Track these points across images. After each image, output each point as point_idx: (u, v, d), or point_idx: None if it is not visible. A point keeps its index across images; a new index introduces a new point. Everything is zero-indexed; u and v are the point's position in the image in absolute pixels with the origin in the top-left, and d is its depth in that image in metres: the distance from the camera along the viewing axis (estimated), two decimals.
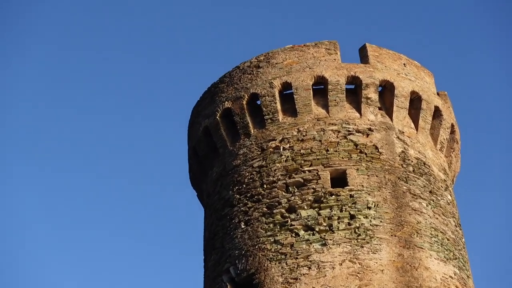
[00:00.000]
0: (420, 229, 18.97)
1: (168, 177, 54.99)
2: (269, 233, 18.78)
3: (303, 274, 17.84)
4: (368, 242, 18.22)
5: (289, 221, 18.75)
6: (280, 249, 18.41)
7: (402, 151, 20.28)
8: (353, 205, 18.78)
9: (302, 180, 19.31)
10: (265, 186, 19.61)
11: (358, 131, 20.17)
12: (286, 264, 18.13)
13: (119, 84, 57.10)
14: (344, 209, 18.69)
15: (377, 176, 19.43)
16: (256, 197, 19.58)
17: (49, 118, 54.08)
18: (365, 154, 19.77)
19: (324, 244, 18.18)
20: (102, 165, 55.02)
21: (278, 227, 18.78)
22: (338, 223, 18.47)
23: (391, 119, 20.76)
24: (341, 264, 17.84)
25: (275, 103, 20.69)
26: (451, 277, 18.77)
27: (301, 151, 19.80)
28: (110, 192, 54.91)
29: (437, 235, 19.25)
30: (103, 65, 56.80)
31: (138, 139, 56.52)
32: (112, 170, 55.36)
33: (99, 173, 54.96)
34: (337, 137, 19.97)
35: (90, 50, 56.11)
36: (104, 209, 54.34)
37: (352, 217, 18.59)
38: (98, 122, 55.80)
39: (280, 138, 20.23)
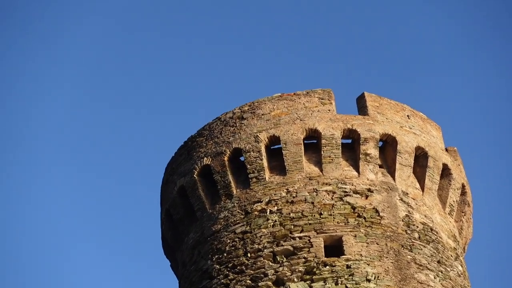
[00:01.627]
0: None
1: (137, 243, 54.61)
2: None
3: None
4: None
5: None
6: None
7: (406, 215, 20.14)
8: (350, 277, 18.54)
9: (291, 248, 19.08)
10: (249, 255, 19.38)
11: (355, 192, 20.04)
12: None
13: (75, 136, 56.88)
14: (340, 282, 18.46)
15: (377, 244, 19.24)
16: (238, 267, 19.33)
17: None
18: (364, 218, 19.62)
19: None
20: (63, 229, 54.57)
21: None
22: None
23: (394, 179, 20.65)
24: None
25: (261, 159, 20.56)
26: None
27: (291, 214, 19.61)
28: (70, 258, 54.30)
29: None
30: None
31: (104, 200, 56.22)
32: (74, 233, 54.90)
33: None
34: (332, 198, 19.82)
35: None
36: None
37: None
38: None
39: (267, 200, 20.06)
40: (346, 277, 18.55)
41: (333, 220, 19.47)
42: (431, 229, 20.44)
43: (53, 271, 52.51)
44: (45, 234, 53.69)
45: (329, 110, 21.02)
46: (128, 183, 57.18)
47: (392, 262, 19.05)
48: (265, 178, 20.43)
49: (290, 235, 19.30)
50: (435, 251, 20.04)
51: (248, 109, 21.39)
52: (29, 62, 53.81)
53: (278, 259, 19.01)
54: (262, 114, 21.15)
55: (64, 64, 55.52)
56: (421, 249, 19.75)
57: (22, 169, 53.37)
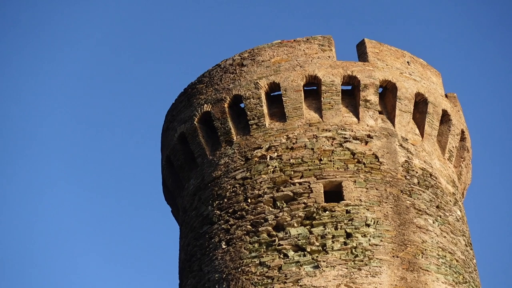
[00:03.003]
0: (425, 249, 18.93)
1: (139, 191, 54.98)
2: (253, 254, 18.70)
3: None
4: (366, 264, 18.15)
5: (277, 240, 18.67)
6: (266, 272, 18.32)
7: (405, 160, 20.27)
8: (350, 222, 18.72)
9: (291, 194, 19.24)
10: (249, 200, 19.54)
11: (355, 138, 20.15)
12: None
13: (83, 82, 56.91)
14: (339, 227, 18.64)
15: (377, 189, 19.39)
16: (239, 213, 19.50)
17: None
18: (364, 164, 19.74)
19: (317, 267, 18.10)
20: (64, 178, 54.89)
21: (264, 247, 18.71)
22: (333, 242, 18.40)
23: (393, 125, 20.75)
24: None
25: (261, 106, 20.65)
26: None
27: (291, 160, 19.74)
28: (74, 207, 54.74)
29: (445, 256, 19.22)
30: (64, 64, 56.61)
31: (104, 146, 56.42)
32: (75, 181, 55.25)
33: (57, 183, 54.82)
34: (332, 144, 19.93)
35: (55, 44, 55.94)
36: (66, 224, 54.19)
37: (348, 235, 18.53)
38: (58, 134, 55.61)
39: (267, 146, 20.18)
40: (345, 222, 18.73)
41: (333, 166, 19.60)
42: (430, 175, 20.60)
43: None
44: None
45: (329, 57, 21.04)
46: (129, 130, 57.40)
47: (391, 207, 19.23)
48: (265, 124, 20.54)
49: (290, 180, 19.45)
50: (434, 196, 20.22)
51: (248, 56, 21.42)
52: None
53: (278, 204, 19.19)
54: (262, 61, 21.18)
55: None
56: (420, 194, 19.93)
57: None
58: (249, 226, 19.18)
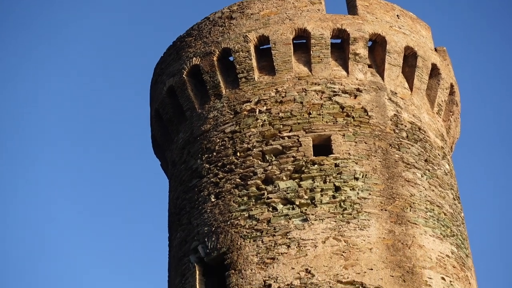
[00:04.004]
0: (413, 203, 19.05)
1: (128, 144, 54.98)
2: (242, 207, 18.78)
3: (281, 254, 17.88)
4: (355, 217, 18.26)
5: (266, 193, 18.74)
6: (255, 225, 18.42)
7: (394, 114, 20.30)
8: (338, 175, 18.80)
9: (280, 148, 19.28)
10: (238, 154, 19.57)
11: (344, 91, 20.15)
12: (262, 242, 18.15)
13: (72, 36, 56.57)
14: (328, 180, 18.71)
15: (365, 143, 19.45)
16: (228, 166, 19.55)
17: None
18: (353, 118, 19.77)
19: (305, 220, 18.20)
20: (53, 131, 54.84)
21: (253, 200, 18.78)
22: (321, 196, 18.48)
23: (382, 78, 20.76)
24: (324, 242, 17.89)
25: (250, 59, 20.60)
26: (448, 256, 18.90)
27: (280, 114, 19.75)
28: (61, 158, 54.76)
29: (433, 209, 19.35)
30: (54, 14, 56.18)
31: (92, 100, 56.27)
32: (64, 134, 55.22)
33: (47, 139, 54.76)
34: (321, 98, 19.94)
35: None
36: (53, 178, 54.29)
37: (337, 189, 18.61)
38: (47, 85, 55.40)
39: (256, 100, 20.17)
40: (334, 175, 18.80)
41: (322, 120, 19.62)
42: (419, 128, 20.65)
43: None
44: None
45: (319, 10, 20.95)
46: (118, 84, 57.19)
47: (380, 161, 19.30)
48: (254, 78, 20.50)
49: (279, 134, 19.47)
50: (422, 150, 20.29)
51: (237, 9, 21.30)
52: None
53: (267, 158, 19.23)
54: (251, 14, 21.07)
55: None
56: (409, 148, 19.99)
57: None
58: (238, 180, 19.23)
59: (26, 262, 50.33)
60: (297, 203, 18.40)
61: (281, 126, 19.56)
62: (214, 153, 19.98)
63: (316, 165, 18.90)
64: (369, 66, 20.88)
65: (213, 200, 19.36)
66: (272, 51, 20.52)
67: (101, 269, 53.00)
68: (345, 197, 18.49)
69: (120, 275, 53.31)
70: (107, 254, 53.93)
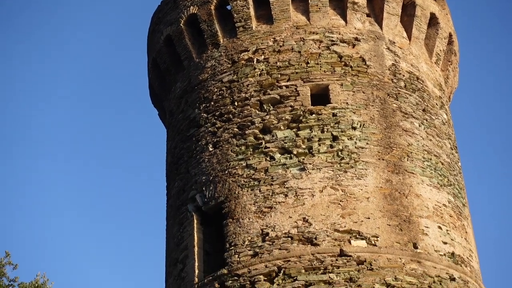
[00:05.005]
0: (411, 152, 19.07)
1: (126, 94, 54.93)
2: (240, 157, 18.80)
3: (279, 203, 17.94)
4: (352, 167, 18.30)
5: (263, 143, 18.75)
6: (253, 174, 18.45)
7: (392, 64, 20.24)
8: (336, 125, 18.79)
9: (278, 97, 19.23)
10: (236, 103, 19.53)
11: (342, 41, 20.06)
12: (260, 191, 18.20)
13: None
14: (325, 130, 18.71)
15: (363, 92, 19.41)
16: (226, 116, 19.52)
17: None
18: (351, 67, 19.71)
19: (303, 169, 18.23)
20: (51, 84, 54.73)
21: (251, 149, 18.79)
22: (319, 145, 18.49)
23: (381, 28, 20.65)
24: (322, 191, 17.94)
25: (248, 8, 20.46)
26: (444, 205, 18.97)
27: (278, 63, 19.67)
28: (59, 110, 54.72)
29: (430, 159, 19.38)
30: None
31: (91, 48, 56.05)
32: (62, 84, 55.11)
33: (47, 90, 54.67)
34: (319, 47, 19.85)
35: None
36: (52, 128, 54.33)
37: (334, 138, 18.61)
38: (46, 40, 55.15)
39: (254, 49, 20.07)
40: (332, 125, 18.78)
41: (320, 69, 19.55)
42: (417, 78, 20.60)
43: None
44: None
45: None
46: (115, 34, 56.88)
47: (377, 111, 19.28)
48: (252, 27, 20.38)
49: (276, 84, 19.41)
50: (420, 100, 20.26)
51: None
52: None
53: (265, 107, 19.19)
54: None
55: None
56: (407, 98, 19.96)
57: None
58: (236, 129, 19.22)
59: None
60: (295, 152, 18.42)
61: (279, 75, 19.50)
62: (212, 103, 19.94)
63: (313, 115, 18.88)
64: (368, 15, 20.76)
65: (210, 149, 19.38)
66: (270, 0, 20.38)
67: (100, 221, 53.33)
68: (342, 147, 18.50)
69: (119, 226, 53.66)
70: (105, 205, 54.23)
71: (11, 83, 53.56)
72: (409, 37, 21.09)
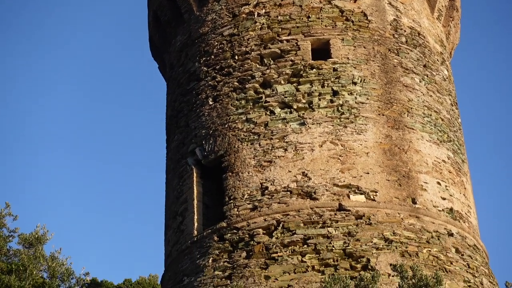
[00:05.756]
0: (411, 108, 19.04)
1: (126, 46, 54.74)
2: (240, 111, 18.76)
3: (278, 157, 17.95)
4: (352, 122, 18.28)
5: (264, 97, 18.70)
6: (253, 128, 18.44)
7: (394, 19, 20.11)
8: (337, 79, 18.73)
9: (279, 51, 19.13)
10: (236, 57, 19.45)
11: None
12: (259, 145, 18.20)
13: None
14: (326, 84, 18.65)
15: (364, 47, 19.32)
16: (226, 69, 19.45)
17: None
18: (352, 22, 19.58)
19: (303, 124, 18.21)
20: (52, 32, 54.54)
21: (251, 104, 18.75)
22: (319, 100, 18.45)
23: None
24: (321, 146, 17.94)
25: None
26: (444, 161, 18.99)
27: (279, 17, 19.54)
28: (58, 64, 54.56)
29: (431, 115, 19.36)
30: None
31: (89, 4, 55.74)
32: (62, 35, 54.90)
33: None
34: (320, 2, 19.71)
35: None
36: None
37: (335, 93, 18.56)
38: None
39: (255, 3, 19.92)
40: (332, 79, 18.72)
41: (321, 24, 19.43)
42: (419, 34, 20.48)
43: None
44: None
45: None
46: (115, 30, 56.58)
47: (378, 66, 19.21)
48: None
49: (277, 38, 19.30)
50: (421, 55, 20.17)
51: None
52: None
53: (266, 61, 19.11)
54: None
55: None
56: (408, 53, 19.87)
57: None
58: (236, 83, 19.16)
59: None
60: (295, 107, 18.38)
61: (280, 29, 19.38)
62: (212, 56, 19.85)
63: (314, 69, 18.81)
64: None
65: (210, 103, 19.34)
66: None
67: (101, 171, 53.49)
68: (342, 102, 18.46)
69: (120, 177, 53.85)
70: (106, 156, 54.36)
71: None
72: None
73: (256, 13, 19.75)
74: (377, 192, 17.60)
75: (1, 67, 51.87)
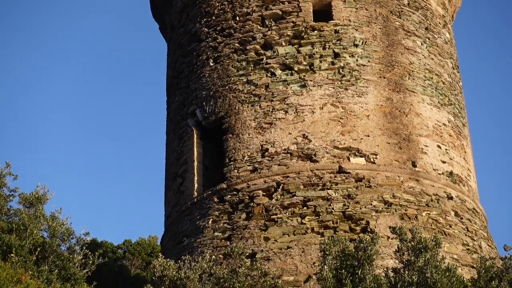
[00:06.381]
0: (412, 71, 18.98)
1: (126, 7, 54.46)
2: (241, 72, 18.69)
3: (279, 119, 17.91)
4: (353, 84, 18.22)
5: (265, 59, 18.62)
6: (254, 90, 18.38)
7: None
8: (338, 42, 18.63)
9: (280, 12, 19.02)
10: (237, 18, 19.33)
11: None
12: (260, 107, 18.16)
13: None
14: (327, 46, 18.56)
15: (366, 10, 19.20)
16: (227, 31, 19.34)
17: None
18: None
19: (304, 86, 18.15)
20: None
21: (252, 65, 18.68)
22: (320, 62, 18.38)
23: None
24: (322, 108, 17.90)
25: None
26: (444, 124, 18.96)
27: None
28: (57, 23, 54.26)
29: (432, 78, 19.29)
30: None
31: None
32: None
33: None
34: None
35: None
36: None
37: (336, 55, 18.49)
38: None
39: None
40: (333, 42, 18.63)
41: None
42: None
43: None
44: None
45: None
46: None
47: (380, 28, 19.10)
48: None
49: None
50: (423, 18, 20.05)
51: None
52: None
53: (267, 23, 18.99)
54: None
55: None
56: (410, 16, 19.75)
57: None
58: (237, 44, 19.06)
59: None
60: (296, 69, 18.31)
61: None
62: (213, 17, 19.73)
63: (315, 31, 18.70)
64: None
65: (211, 64, 19.25)
66: None
67: (102, 131, 53.49)
68: (344, 64, 18.39)
69: (121, 138, 53.87)
70: (107, 116, 54.31)
71: None
72: None
73: None
74: (377, 155, 17.60)
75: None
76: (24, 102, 52.50)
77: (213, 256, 15.50)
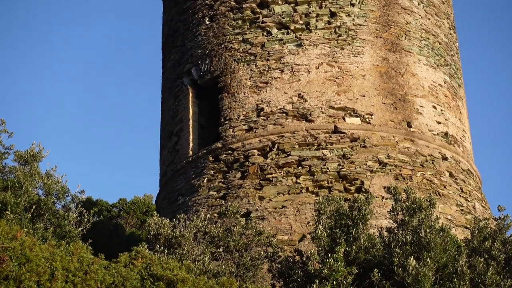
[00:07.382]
0: (409, 31, 18.90)
1: None
2: (237, 31, 18.59)
3: (275, 78, 17.86)
4: (349, 44, 18.15)
5: (261, 17, 18.52)
6: (249, 49, 18.31)
7: None
8: (335, 1, 18.54)
9: None
10: None
11: None
12: (256, 66, 18.10)
13: None
14: (323, 6, 18.46)
15: None
16: None
17: None
18: None
19: (300, 45, 18.08)
20: None
21: (248, 24, 18.57)
22: (316, 21, 18.29)
23: None
24: (318, 68, 17.85)
25: None
26: (440, 85, 18.93)
27: None
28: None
29: (428, 38, 19.22)
30: None
31: None
32: None
33: None
34: None
35: None
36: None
37: (332, 14, 18.40)
38: None
39: None
40: (330, 0, 18.53)
41: None
42: None
43: None
44: None
45: None
46: None
47: None
48: None
49: None
50: None
51: None
52: None
53: None
54: None
55: None
56: None
57: None
58: (233, 3, 18.93)
59: None
60: (292, 28, 18.22)
61: None
62: None
63: None
64: None
65: (207, 22, 19.14)
66: None
67: (96, 91, 53.39)
68: (340, 23, 18.30)
69: (116, 97, 53.77)
70: (102, 76, 54.18)
71: None
72: None
73: None
74: (372, 115, 17.59)
75: None
76: (22, 63, 52.28)
77: (208, 215, 15.56)
